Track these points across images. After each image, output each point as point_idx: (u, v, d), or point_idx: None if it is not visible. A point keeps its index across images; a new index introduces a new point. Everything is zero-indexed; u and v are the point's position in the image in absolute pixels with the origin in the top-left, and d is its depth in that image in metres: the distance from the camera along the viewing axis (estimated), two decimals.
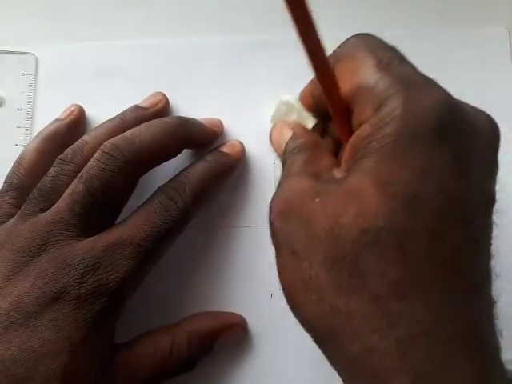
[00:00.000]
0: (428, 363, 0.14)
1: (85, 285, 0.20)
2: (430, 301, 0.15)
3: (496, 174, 0.18)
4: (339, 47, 0.20)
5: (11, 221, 0.22)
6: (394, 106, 0.16)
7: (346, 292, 0.15)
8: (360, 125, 0.17)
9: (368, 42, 0.19)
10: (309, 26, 0.16)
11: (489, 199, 0.17)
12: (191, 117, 0.26)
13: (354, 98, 0.18)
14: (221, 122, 0.27)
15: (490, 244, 0.17)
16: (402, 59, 0.18)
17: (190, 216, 0.24)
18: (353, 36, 0.19)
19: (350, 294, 0.15)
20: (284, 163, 0.21)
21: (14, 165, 0.25)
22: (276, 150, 0.23)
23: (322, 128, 0.23)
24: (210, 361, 0.25)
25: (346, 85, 0.18)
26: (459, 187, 0.16)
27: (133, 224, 0.22)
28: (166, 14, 0.30)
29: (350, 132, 0.18)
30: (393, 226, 0.15)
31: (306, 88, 0.23)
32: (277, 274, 0.18)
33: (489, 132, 0.17)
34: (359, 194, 0.16)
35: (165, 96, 0.27)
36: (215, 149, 0.26)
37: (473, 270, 0.16)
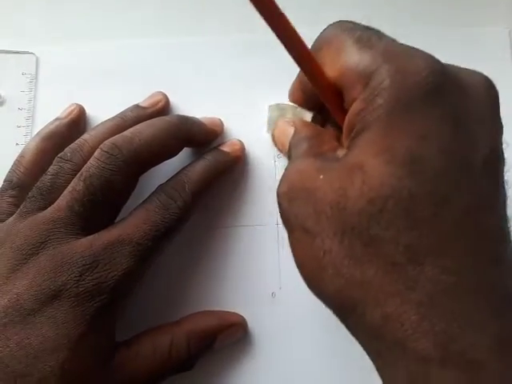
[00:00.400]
0: (450, 323, 0.14)
1: (83, 283, 0.20)
2: (446, 262, 0.15)
3: (500, 133, 0.17)
4: (317, 38, 0.20)
5: (11, 219, 0.22)
6: (382, 77, 0.16)
7: (361, 262, 0.15)
8: (352, 103, 0.17)
9: (343, 26, 0.19)
10: (281, 20, 0.16)
11: (494, 159, 0.17)
12: (191, 116, 0.26)
13: (342, 81, 0.18)
14: (221, 121, 0.27)
15: (503, 205, 0.16)
16: (380, 34, 0.18)
17: (189, 215, 0.24)
18: (328, 25, 0.20)
19: (365, 263, 0.15)
20: (289, 158, 0.21)
21: (14, 163, 0.25)
22: (281, 149, 0.23)
23: (321, 118, 0.23)
24: (210, 360, 0.25)
25: (331, 70, 0.18)
26: (460, 147, 0.16)
27: (132, 223, 0.22)
28: (166, 14, 0.30)
29: (345, 113, 0.18)
30: (399, 193, 0.15)
31: (293, 85, 0.22)
32: (291, 254, 0.18)
33: (485, 91, 0.17)
34: (362, 166, 0.16)
35: (165, 96, 0.27)
36: (215, 148, 0.26)
37: (487, 230, 0.15)
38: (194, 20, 0.30)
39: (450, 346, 0.14)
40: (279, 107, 0.23)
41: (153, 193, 0.23)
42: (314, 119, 0.22)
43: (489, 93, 0.17)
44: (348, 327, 0.17)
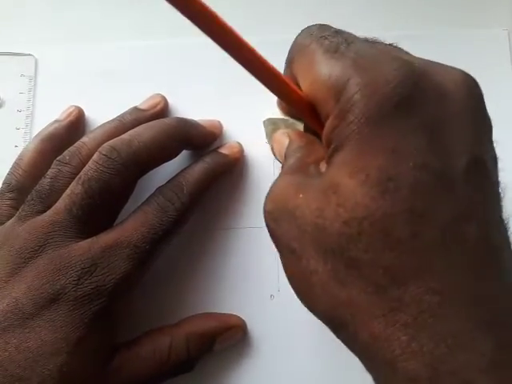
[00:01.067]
0: (438, 343, 0.14)
1: (82, 286, 0.20)
2: (428, 282, 0.14)
3: (486, 134, 0.17)
4: (290, 48, 0.19)
5: (9, 222, 0.22)
6: (351, 91, 0.16)
7: (345, 283, 0.15)
8: (327, 119, 0.17)
9: (312, 34, 0.18)
10: (235, 39, 0.16)
11: (478, 164, 0.16)
12: (190, 118, 0.26)
13: (315, 95, 0.17)
14: (220, 124, 0.27)
15: (492, 211, 0.16)
16: (348, 41, 0.17)
17: (187, 217, 0.24)
18: (300, 32, 0.19)
19: (349, 284, 0.15)
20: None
21: (13, 166, 0.25)
22: (280, 160, 0.23)
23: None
24: (210, 362, 0.25)
25: (304, 84, 0.18)
26: (436, 160, 0.15)
27: (130, 225, 0.22)
28: (166, 15, 0.30)
29: (323, 127, 0.18)
30: (374, 214, 0.15)
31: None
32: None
33: (465, 91, 0.16)
34: (337, 186, 0.15)
35: (164, 98, 0.27)
36: (214, 150, 0.26)
37: (472, 243, 0.15)
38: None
39: (440, 366, 0.14)
40: (271, 121, 0.23)
41: (151, 195, 0.23)
42: (306, 128, 0.22)
43: (470, 93, 0.16)
44: (341, 340, 0.17)
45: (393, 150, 0.15)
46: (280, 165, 0.27)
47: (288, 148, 0.21)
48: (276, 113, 0.23)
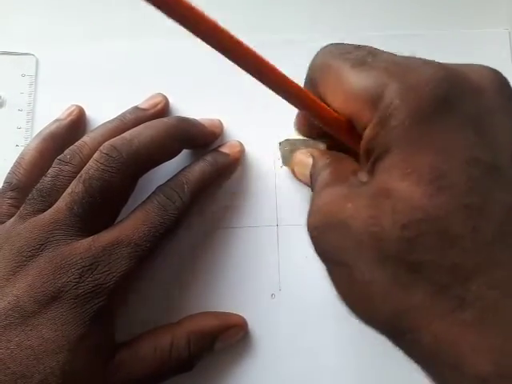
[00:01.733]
0: (506, 338, 0.13)
1: (83, 284, 0.20)
2: (492, 276, 0.14)
3: None
4: (309, 70, 0.19)
5: (10, 221, 0.22)
6: (390, 97, 0.16)
7: (408, 288, 0.15)
8: (364, 129, 0.17)
9: (332, 52, 0.18)
10: (267, 66, 0.16)
11: None
12: (191, 117, 0.26)
13: (348, 109, 0.17)
14: (221, 123, 0.27)
15: None
16: (374, 52, 0.17)
17: (188, 215, 0.24)
18: (315, 55, 0.19)
19: (412, 288, 0.15)
20: (313, 189, 0.20)
21: (14, 165, 0.25)
22: (303, 180, 0.22)
23: (335, 144, 0.22)
24: (210, 361, 0.25)
25: (334, 101, 0.18)
26: (484, 152, 0.15)
27: (131, 224, 0.22)
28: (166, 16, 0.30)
29: (359, 140, 0.18)
30: (431, 213, 0.14)
31: (298, 118, 0.22)
32: (334, 290, 0.17)
33: (497, 85, 0.17)
34: (389, 191, 0.15)
35: (165, 97, 0.27)
36: (214, 149, 0.26)
37: None
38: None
39: (508, 362, 0.13)
40: (290, 142, 0.23)
41: (152, 194, 0.23)
42: (329, 147, 0.22)
43: (503, 87, 0.17)
44: (401, 349, 0.16)
45: (442, 148, 0.15)
46: (280, 164, 0.27)
47: (314, 167, 0.20)
48: (291, 134, 0.23)
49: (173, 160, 0.25)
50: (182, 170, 0.24)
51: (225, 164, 0.26)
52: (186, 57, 0.29)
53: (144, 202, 0.23)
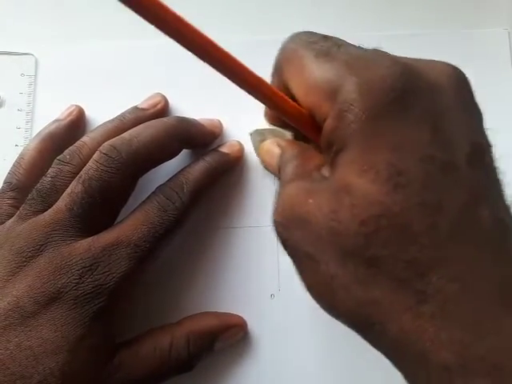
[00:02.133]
0: (465, 330, 0.14)
1: (83, 285, 0.20)
2: (449, 270, 0.14)
3: (480, 121, 0.17)
4: (276, 56, 0.19)
5: (10, 221, 0.22)
6: (348, 91, 0.16)
7: (368, 283, 0.15)
8: (324, 121, 0.17)
9: (301, 40, 0.18)
10: (221, 53, 0.16)
11: (477, 152, 0.16)
12: (190, 117, 0.26)
13: (309, 100, 0.17)
14: (220, 123, 0.27)
15: (499, 193, 0.16)
16: (339, 43, 0.17)
17: (187, 216, 0.24)
18: (285, 40, 0.19)
19: (373, 283, 0.15)
20: (279, 180, 0.20)
21: (14, 165, 0.25)
22: (271, 171, 0.23)
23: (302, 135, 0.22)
24: (210, 361, 0.25)
25: (297, 90, 0.18)
26: (440, 150, 0.15)
27: (130, 224, 0.22)
28: None
29: (320, 132, 0.18)
30: (389, 210, 0.15)
31: (265, 108, 0.22)
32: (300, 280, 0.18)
33: (455, 83, 0.17)
34: (348, 187, 0.15)
35: (164, 97, 0.27)
36: (214, 149, 0.26)
37: (486, 226, 0.15)
38: (193, 21, 0.30)
39: (469, 353, 0.14)
40: (258, 132, 0.23)
41: (151, 194, 0.23)
42: (295, 137, 0.22)
43: (461, 85, 0.17)
44: (369, 342, 0.17)
45: (398, 145, 0.15)
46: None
47: (281, 157, 0.20)
48: (263, 124, 0.23)
49: (173, 160, 0.25)
50: (182, 170, 0.24)
51: (225, 163, 0.26)
52: (185, 57, 0.29)
53: (144, 202, 0.23)
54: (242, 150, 0.27)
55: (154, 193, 0.23)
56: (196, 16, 0.29)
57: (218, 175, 0.25)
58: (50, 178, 0.23)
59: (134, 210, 0.23)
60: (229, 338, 0.25)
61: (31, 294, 0.20)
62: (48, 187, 0.22)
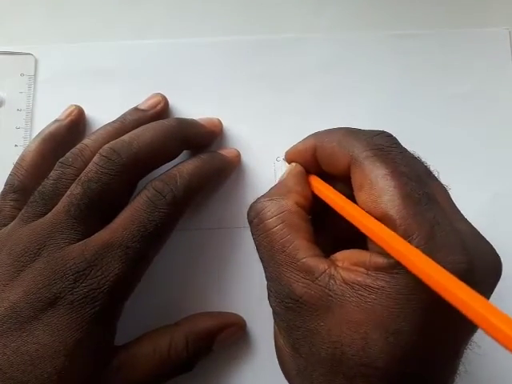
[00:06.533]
0: None
1: (77, 290, 0.20)
2: None
3: None
4: (362, 150, 0.20)
5: (11, 224, 0.22)
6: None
7: None
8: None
9: (390, 159, 0.19)
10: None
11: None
12: (191, 118, 0.26)
13: (379, 217, 0.18)
14: (220, 121, 0.27)
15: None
16: (429, 196, 0.18)
17: (180, 211, 0.23)
18: (368, 140, 0.20)
19: None
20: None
21: (15, 166, 0.25)
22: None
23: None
24: (209, 361, 0.25)
25: (369, 203, 0.18)
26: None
27: (121, 224, 0.21)
28: (166, 15, 0.30)
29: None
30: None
31: (296, 153, 0.23)
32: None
33: (497, 268, 0.18)
34: (360, 327, 0.17)
35: (164, 97, 0.27)
36: (211, 150, 0.26)
37: None
38: (193, 21, 0.30)
39: None
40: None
41: (142, 189, 0.23)
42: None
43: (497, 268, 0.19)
44: None
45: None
46: (280, 165, 0.27)
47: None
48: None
49: (172, 162, 0.25)
50: (176, 165, 0.24)
51: (220, 161, 0.25)
52: (185, 57, 0.29)
53: (134, 197, 0.22)
54: (238, 156, 0.27)
55: (144, 188, 0.22)
56: (196, 16, 0.30)
57: (213, 172, 0.25)
58: (52, 181, 0.22)
59: (125, 208, 0.22)
60: (227, 337, 0.25)
61: (28, 300, 0.20)
62: (50, 190, 0.22)
